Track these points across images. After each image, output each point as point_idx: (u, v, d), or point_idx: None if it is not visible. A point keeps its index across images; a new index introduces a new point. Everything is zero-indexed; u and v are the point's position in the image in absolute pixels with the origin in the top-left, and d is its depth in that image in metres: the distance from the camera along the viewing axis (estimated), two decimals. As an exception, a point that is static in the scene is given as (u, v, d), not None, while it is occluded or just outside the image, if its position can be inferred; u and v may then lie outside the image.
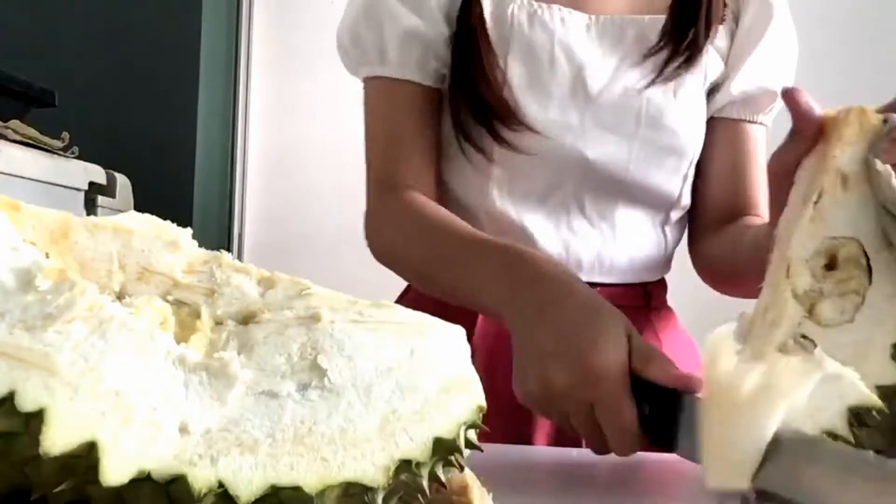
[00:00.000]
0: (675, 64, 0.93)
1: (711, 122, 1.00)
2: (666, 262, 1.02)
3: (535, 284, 0.72)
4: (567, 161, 0.93)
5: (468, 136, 0.93)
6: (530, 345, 0.69)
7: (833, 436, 0.55)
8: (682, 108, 0.94)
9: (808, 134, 0.66)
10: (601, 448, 0.66)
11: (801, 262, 0.63)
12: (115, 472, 0.35)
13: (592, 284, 0.93)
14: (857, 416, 0.55)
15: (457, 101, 0.93)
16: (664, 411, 0.60)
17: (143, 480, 0.36)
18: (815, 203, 0.64)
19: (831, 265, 0.63)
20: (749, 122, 1.00)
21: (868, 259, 0.62)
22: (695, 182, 1.01)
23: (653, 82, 0.92)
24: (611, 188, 0.95)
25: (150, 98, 2.00)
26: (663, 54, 0.93)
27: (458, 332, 0.46)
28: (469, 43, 0.91)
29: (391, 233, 0.95)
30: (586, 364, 0.64)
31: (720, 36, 0.98)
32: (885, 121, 0.63)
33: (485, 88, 0.90)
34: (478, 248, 0.82)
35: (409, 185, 0.94)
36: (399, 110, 0.95)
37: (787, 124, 0.69)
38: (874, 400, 0.55)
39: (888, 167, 0.61)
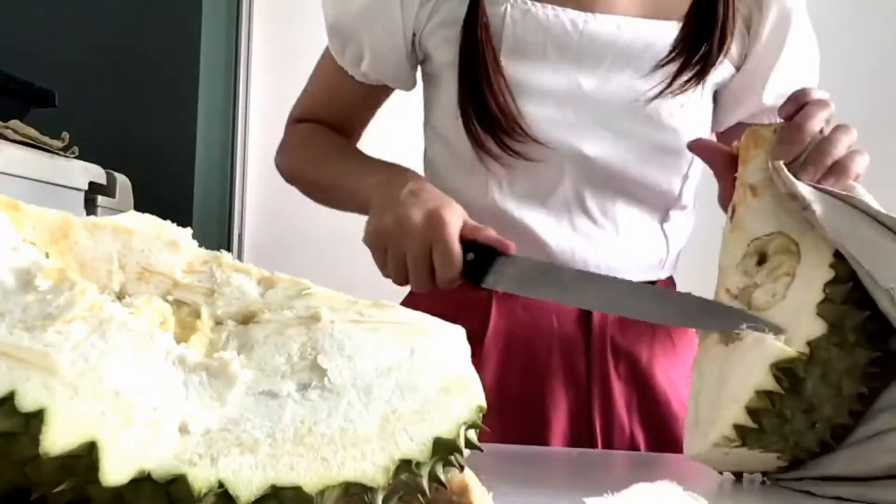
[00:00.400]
0: (685, 77, 0.93)
1: (738, 127, 1.00)
2: (671, 260, 1.02)
3: (405, 180, 0.87)
4: (566, 158, 0.93)
5: (480, 143, 0.93)
6: (394, 199, 0.84)
7: (767, 393, 0.63)
8: (681, 107, 0.94)
9: (729, 168, 0.79)
10: (424, 282, 0.81)
11: (730, 268, 0.73)
12: (115, 472, 0.35)
13: None
14: (784, 371, 0.63)
15: (467, 110, 0.93)
16: (482, 260, 0.80)
17: (143, 480, 0.36)
18: (731, 217, 0.76)
19: (762, 261, 0.73)
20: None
21: (797, 243, 0.70)
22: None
23: (661, 94, 0.92)
24: (610, 185, 0.95)
25: (150, 98, 1.99)
26: (673, 66, 0.93)
27: (459, 332, 0.46)
28: (476, 54, 0.91)
29: (290, 151, 1.08)
30: (437, 213, 0.80)
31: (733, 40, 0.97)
32: (774, 130, 0.75)
33: (493, 100, 0.91)
34: (358, 158, 1.00)
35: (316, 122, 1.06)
36: (331, 80, 1.04)
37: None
38: (790, 352, 0.63)
39: (780, 163, 0.71)
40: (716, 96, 1.01)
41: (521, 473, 0.72)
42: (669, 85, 0.93)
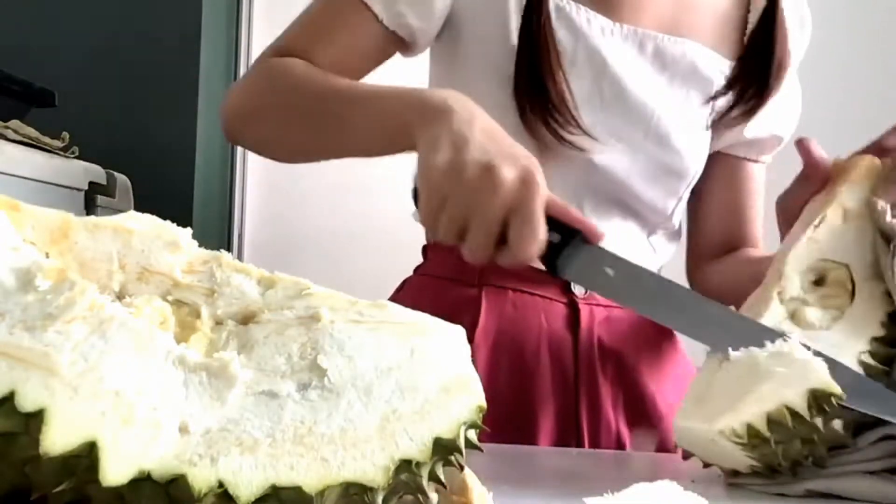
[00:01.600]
0: (737, 112, 0.96)
1: (716, 156, 1.03)
2: (658, 272, 1.03)
3: (462, 114, 0.69)
4: (572, 161, 0.93)
5: (534, 130, 0.90)
6: (462, 139, 0.66)
7: (791, 412, 0.62)
8: (688, 132, 0.97)
9: (817, 179, 0.77)
10: (486, 252, 0.65)
11: (794, 272, 0.72)
12: (115, 472, 0.35)
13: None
14: (816, 398, 0.61)
15: (521, 97, 0.90)
16: (562, 244, 0.67)
17: (143, 480, 0.36)
18: (816, 227, 0.74)
19: (819, 283, 0.73)
20: (753, 161, 1.05)
21: (854, 284, 0.71)
22: (694, 212, 1.06)
23: (711, 124, 0.95)
24: (609, 195, 0.96)
25: (150, 98, 2.00)
26: (725, 100, 0.96)
27: (458, 332, 0.46)
28: (537, 37, 0.88)
29: (252, 85, 0.89)
30: (530, 172, 0.65)
31: (731, 69, 0.99)
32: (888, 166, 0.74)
33: (549, 95, 0.89)
34: (364, 91, 0.80)
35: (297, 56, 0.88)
36: (341, 18, 0.90)
37: (789, 164, 0.81)
38: (834, 387, 0.61)
39: (885, 204, 0.71)
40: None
41: (520, 473, 0.72)
42: (721, 118, 0.96)
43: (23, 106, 1.55)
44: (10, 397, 0.35)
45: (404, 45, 0.94)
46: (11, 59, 1.68)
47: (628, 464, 0.85)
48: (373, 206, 1.96)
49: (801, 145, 0.77)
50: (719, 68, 0.98)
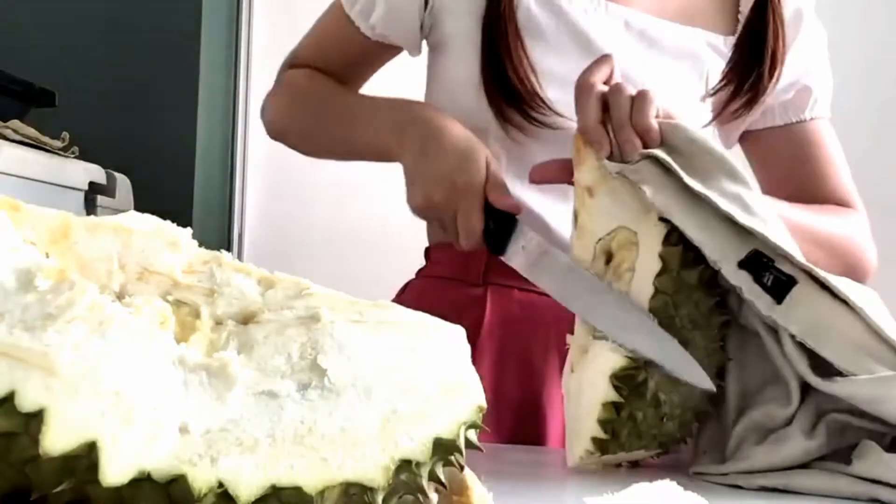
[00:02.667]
0: (736, 106, 0.94)
1: (755, 136, 1.01)
2: None
3: (417, 131, 0.86)
4: (563, 141, 0.91)
5: (504, 115, 0.92)
6: (418, 173, 0.84)
7: (612, 404, 0.66)
8: (681, 105, 0.94)
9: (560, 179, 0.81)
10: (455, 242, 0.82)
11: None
12: (115, 472, 0.35)
13: None
14: (623, 378, 0.65)
15: (490, 84, 0.92)
16: (502, 228, 0.79)
17: (143, 480, 0.36)
18: (575, 223, 0.76)
19: (609, 259, 0.73)
20: (798, 122, 1.00)
21: (636, 233, 0.71)
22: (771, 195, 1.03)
23: (711, 122, 0.94)
24: None
25: (150, 98, 1.99)
26: (724, 94, 0.94)
27: (458, 332, 0.46)
28: (497, 33, 0.91)
29: (282, 100, 1.05)
30: (454, 185, 0.81)
31: (729, 45, 0.97)
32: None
33: (515, 80, 0.90)
34: (361, 99, 0.99)
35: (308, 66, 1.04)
36: (333, 34, 1.03)
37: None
38: (622, 362, 0.65)
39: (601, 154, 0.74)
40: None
41: (520, 473, 0.72)
42: (720, 114, 0.94)
43: (23, 106, 1.55)
44: (10, 397, 0.35)
45: (399, 49, 1.01)
46: (11, 59, 1.68)
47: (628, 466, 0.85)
48: (374, 206, 1.95)
49: (538, 176, 0.83)
50: (710, 43, 0.97)
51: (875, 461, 0.63)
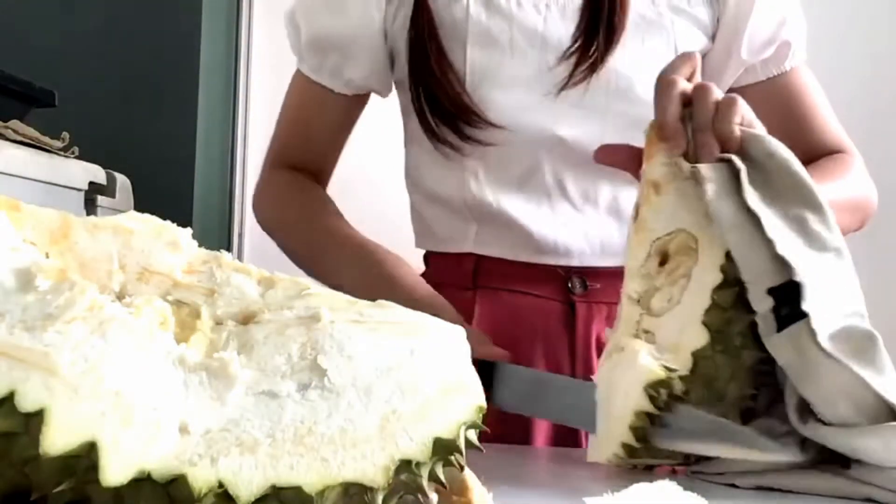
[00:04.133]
0: (583, 67, 0.92)
1: (741, 91, 0.98)
2: None
3: (388, 290, 0.85)
4: (542, 143, 0.93)
5: (437, 136, 0.93)
6: None
7: (645, 413, 0.65)
8: (652, 77, 0.94)
9: (638, 169, 0.75)
10: None
11: (633, 271, 0.71)
12: (115, 472, 0.35)
13: (594, 269, 0.94)
14: (659, 389, 0.64)
15: (420, 105, 0.94)
16: (484, 377, 0.74)
17: (143, 480, 0.36)
18: (635, 217, 0.72)
19: (664, 262, 0.70)
20: (779, 75, 1.00)
21: (696, 240, 0.68)
22: None
23: (565, 86, 0.92)
24: (591, 166, 0.93)
25: (150, 98, 1.99)
26: (574, 57, 0.92)
27: (458, 332, 0.46)
28: (422, 49, 0.92)
29: (271, 210, 1.05)
30: None
31: (699, 6, 0.97)
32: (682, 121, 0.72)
33: (442, 93, 0.91)
34: (339, 247, 0.95)
35: (299, 168, 1.04)
36: (307, 108, 1.03)
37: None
38: (659, 374, 0.64)
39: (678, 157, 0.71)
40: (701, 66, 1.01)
41: (520, 473, 0.72)
42: (571, 75, 0.92)
43: (23, 106, 1.55)
44: (10, 397, 0.35)
45: (369, 94, 1.04)
46: (11, 59, 1.68)
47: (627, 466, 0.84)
48: (373, 208, 1.95)
49: (604, 158, 0.80)
50: (672, 5, 0.96)
51: (873, 467, 0.63)
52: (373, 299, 0.78)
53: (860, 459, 0.63)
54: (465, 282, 0.96)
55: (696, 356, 0.64)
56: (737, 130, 0.70)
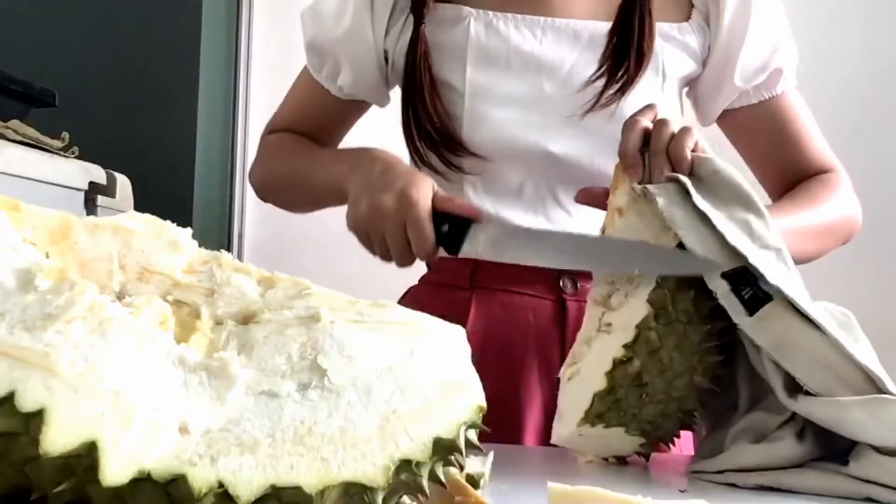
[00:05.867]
0: (611, 91, 0.97)
1: (730, 115, 1.04)
2: None
3: (373, 162, 0.91)
4: (534, 158, 0.96)
5: (423, 160, 0.98)
6: (366, 186, 0.89)
7: (606, 377, 0.71)
8: (638, 99, 0.96)
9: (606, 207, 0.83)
10: (405, 258, 0.87)
11: (599, 279, 0.82)
12: (115, 472, 0.35)
13: (584, 270, 0.97)
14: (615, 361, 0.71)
15: (409, 129, 0.99)
16: (457, 229, 0.84)
17: (143, 480, 0.36)
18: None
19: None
20: (769, 99, 1.04)
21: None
22: (753, 172, 1.06)
23: (591, 109, 0.96)
24: (580, 180, 0.96)
25: (150, 98, 1.99)
26: (601, 81, 0.97)
27: (458, 332, 0.46)
28: (415, 77, 0.97)
29: (261, 161, 1.11)
30: (406, 194, 0.85)
31: (689, 34, 1.00)
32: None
33: (430, 122, 0.97)
34: (326, 151, 1.06)
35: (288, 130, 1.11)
36: (308, 99, 1.10)
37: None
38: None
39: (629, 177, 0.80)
40: (694, 90, 1.04)
41: (520, 473, 0.72)
42: (598, 100, 0.96)
43: (23, 106, 1.55)
44: (10, 397, 0.35)
45: (368, 103, 1.09)
46: (11, 59, 1.68)
47: (624, 464, 0.85)
48: (373, 206, 1.95)
49: (585, 200, 0.89)
50: (662, 32, 0.99)
51: (871, 462, 0.64)
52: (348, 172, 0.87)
53: (850, 437, 0.66)
54: (464, 282, 0.99)
55: (640, 327, 0.71)
56: (688, 154, 0.78)
